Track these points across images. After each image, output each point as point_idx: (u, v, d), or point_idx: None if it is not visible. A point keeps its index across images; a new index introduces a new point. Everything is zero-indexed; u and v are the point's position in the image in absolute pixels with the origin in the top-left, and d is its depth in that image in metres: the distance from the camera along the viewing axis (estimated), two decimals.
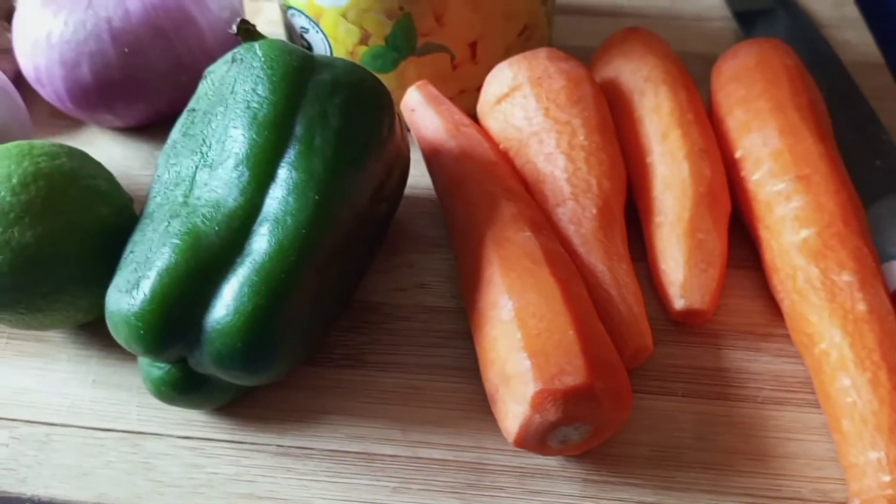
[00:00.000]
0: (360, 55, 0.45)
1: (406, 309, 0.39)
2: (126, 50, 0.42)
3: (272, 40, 0.36)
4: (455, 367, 0.36)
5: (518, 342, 0.31)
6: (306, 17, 0.45)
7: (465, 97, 0.46)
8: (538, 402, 0.30)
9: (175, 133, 0.36)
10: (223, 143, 0.33)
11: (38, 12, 0.43)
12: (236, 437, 0.34)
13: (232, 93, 0.34)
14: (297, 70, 0.34)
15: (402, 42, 0.44)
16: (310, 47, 0.46)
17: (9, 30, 0.51)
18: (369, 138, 0.35)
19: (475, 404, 0.35)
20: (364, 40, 0.44)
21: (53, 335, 0.38)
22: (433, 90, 0.44)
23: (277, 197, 0.32)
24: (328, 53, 0.46)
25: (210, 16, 0.45)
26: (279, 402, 0.35)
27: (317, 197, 0.32)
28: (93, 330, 0.38)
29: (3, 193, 0.33)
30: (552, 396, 0.29)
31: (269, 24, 0.56)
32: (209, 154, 0.34)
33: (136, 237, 0.33)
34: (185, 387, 0.33)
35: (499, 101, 0.42)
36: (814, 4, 0.57)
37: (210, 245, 0.31)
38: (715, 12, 0.56)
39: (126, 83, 0.43)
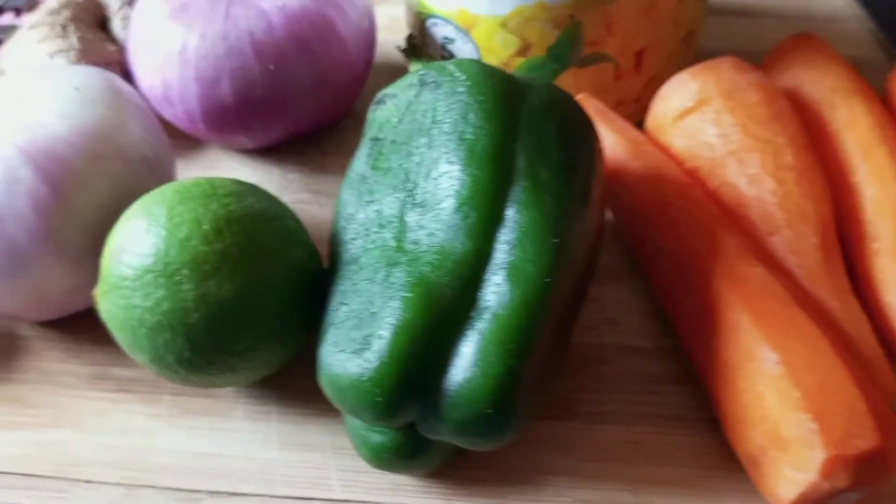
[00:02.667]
0: (516, 67, 0.41)
1: (602, 350, 0.35)
2: (271, 67, 0.38)
3: (468, 60, 0.32)
4: (673, 417, 0.33)
5: (796, 401, 0.28)
6: (454, 26, 0.41)
7: (621, 109, 0.43)
8: (828, 470, 0.27)
9: (360, 166, 0.32)
10: (435, 179, 0.30)
11: (165, 23, 0.39)
12: (453, 503, 0.31)
13: (434, 122, 0.31)
14: (507, 94, 0.31)
15: (566, 52, 0.40)
16: (451, 58, 0.43)
17: (107, 39, 0.46)
18: (590, 168, 0.31)
19: (706, 459, 0.32)
20: (523, 51, 0.40)
21: (223, 389, 0.34)
22: (599, 104, 0.40)
23: (510, 241, 0.28)
24: None
25: (351, 25, 0.41)
26: (493, 461, 0.32)
27: (555, 240, 0.28)
28: (265, 382, 0.34)
29: (194, 242, 0.29)
30: (844, 463, 0.26)
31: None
32: (416, 192, 0.30)
33: (344, 286, 0.30)
34: (408, 453, 0.29)
35: (681, 115, 0.38)
36: None
37: (442, 297, 0.28)
38: (847, 11, 0.53)
39: (268, 102, 0.39)
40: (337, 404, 0.29)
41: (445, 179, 0.29)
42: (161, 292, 0.28)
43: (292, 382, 0.34)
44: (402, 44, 0.37)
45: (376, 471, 0.31)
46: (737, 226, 0.35)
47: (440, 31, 0.42)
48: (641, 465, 0.32)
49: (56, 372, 0.35)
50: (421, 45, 0.36)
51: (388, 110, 0.33)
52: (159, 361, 0.30)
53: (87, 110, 0.32)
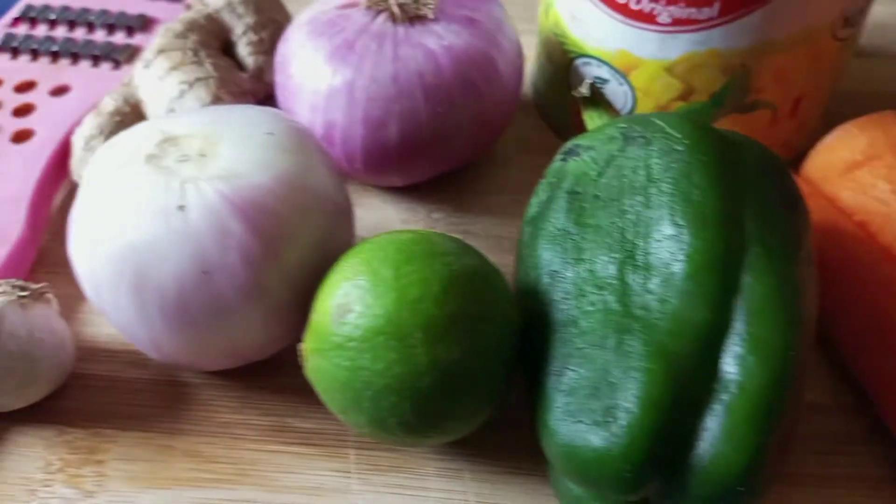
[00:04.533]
0: (674, 111, 0.41)
1: None
2: (440, 110, 0.37)
3: (675, 116, 0.32)
4: (866, 477, 0.33)
5: None
6: (610, 67, 0.41)
7: None
8: None
9: (559, 220, 0.32)
10: (659, 242, 0.29)
11: (329, 61, 0.38)
12: None
13: (651, 181, 0.30)
14: (724, 152, 0.30)
15: (731, 99, 0.40)
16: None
17: (234, 66, 0.45)
18: (808, 228, 0.31)
19: None
20: (684, 96, 0.40)
21: None
22: None
23: (749, 310, 0.28)
24: (629, 108, 0.42)
25: (508, 62, 0.40)
26: None
27: (796, 311, 0.28)
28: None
29: (426, 304, 0.28)
30: None
31: None
32: (636, 253, 0.29)
33: (566, 350, 0.29)
34: None
35: (849, 168, 0.38)
36: None
37: (684, 368, 0.27)
38: None
39: (431, 143, 0.38)
40: (570, 476, 0.28)
41: (673, 243, 0.29)
42: (393, 355, 0.27)
43: (480, 437, 0.33)
44: (584, 90, 0.36)
45: None
46: None
47: (591, 71, 0.42)
48: None
49: (231, 423, 0.34)
50: (599, 91, 0.36)
51: (583, 163, 0.33)
52: (379, 424, 0.29)
53: (283, 157, 0.31)
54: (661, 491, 0.27)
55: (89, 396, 0.35)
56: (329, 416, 0.34)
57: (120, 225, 0.29)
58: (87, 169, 0.32)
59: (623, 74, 0.41)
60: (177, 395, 0.35)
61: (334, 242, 0.32)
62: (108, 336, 0.37)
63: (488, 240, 0.41)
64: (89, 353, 0.36)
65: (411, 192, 0.43)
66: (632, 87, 0.41)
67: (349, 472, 0.32)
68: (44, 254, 0.40)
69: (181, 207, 0.29)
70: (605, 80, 0.42)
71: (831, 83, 0.42)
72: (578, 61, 0.42)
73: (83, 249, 0.30)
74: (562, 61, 0.43)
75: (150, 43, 0.44)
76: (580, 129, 0.45)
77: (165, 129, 0.32)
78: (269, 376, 0.35)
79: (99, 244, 0.30)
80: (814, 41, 0.38)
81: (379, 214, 0.42)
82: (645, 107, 0.41)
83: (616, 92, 0.41)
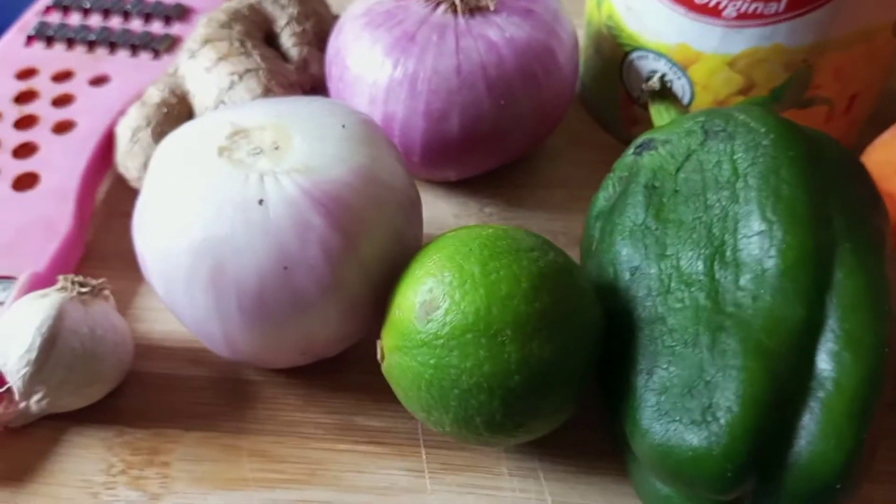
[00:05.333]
0: (732, 105, 0.40)
1: None
2: (502, 102, 0.37)
3: (757, 109, 0.31)
4: None
5: None
6: (668, 61, 0.40)
7: None
8: None
9: (638, 215, 0.31)
10: (748, 238, 0.29)
11: (389, 53, 0.37)
12: None
13: (737, 175, 0.30)
14: (808, 147, 0.30)
15: (790, 95, 0.39)
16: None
17: (279, 57, 0.44)
18: (888, 225, 0.30)
19: None
20: (745, 91, 0.40)
21: None
22: None
23: (843, 307, 0.27)
24: (687, 103, 0.41)
25: (566, 54, 0.39)
26: None
27: (887, 307, 0.28)
28: None
29: (516, 301, 0.27)
30: None
31: None
32: (725, 249, 0.29)
33: (654, 348, 0.28)
34: None
35: None
36: None
37: (782, 366, 0.27)
38: None
39: (492, 137, 0.38)
40: (664, 475, 0.27)
41: (763, 239, 0.28)
42: (483, 353, 0.27)
43: (553, 436, 0.32)
44: (655, 84, 0.36)
45: None
46: None
47: (647, 65, 0.41)
48: None
49: (297, 422, 0.33)
50: (668, 86, 0.35)
51: (660, 157, 0.32)
52: (465, 423, 0.28)
53: (358, 150, 0.30)
54: (756, 489, 0.27)
55: (148, 395, 0.34)
56: (396, 414, 0.33)
57: (196, 219, 0.28)
58: (154, 161, 0.31)
59: (682, 68, 0.40)
60: (239, 394, 0.34)
61: (407, 236, 0.31)
62: (161, 333, 0.36)
63: (543, 235, 0.40)
64: (145, 350, 0.35)
65: (462, 186, 0.42)
66: (690, 82, 0.40)
67: (422, 472, 0.32)
68: (90, 248, 0.39)
69: (261, 201, 0.28)
70: (662, 74, 0.41)
71: (885, 81, 0.42)
72: (633, 55, 0.42)
73: (155, 243, 0.29)
74: (613, 55, 0.43)
75: (193, 33, 0.43)
76: (628, 122, 0.45)
77: (234, 120, 0.31)
78: (332, 374, 0.34)
79: (174, 238, 0.29)
80: (874, 39, 0.38)
81: (431, 209, 0.41)
82: (703, 101, 0.41)
83: (675, 86, 0.41)
